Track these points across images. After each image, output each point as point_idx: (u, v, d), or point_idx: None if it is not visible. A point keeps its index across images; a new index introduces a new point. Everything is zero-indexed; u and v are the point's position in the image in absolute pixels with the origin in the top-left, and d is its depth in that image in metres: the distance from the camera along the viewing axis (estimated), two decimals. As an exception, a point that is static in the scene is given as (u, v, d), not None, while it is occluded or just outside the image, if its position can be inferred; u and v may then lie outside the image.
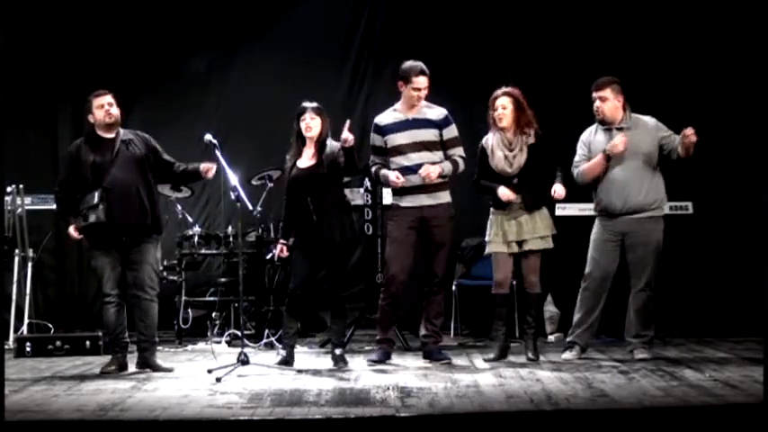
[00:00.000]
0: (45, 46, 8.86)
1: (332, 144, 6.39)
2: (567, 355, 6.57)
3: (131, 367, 6.33)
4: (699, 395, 5.03)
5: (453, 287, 7.98)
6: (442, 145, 6.52)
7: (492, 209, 6.56)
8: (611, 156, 6.45)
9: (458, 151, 6.54)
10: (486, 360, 6.46)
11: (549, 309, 8.03)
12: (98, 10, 8.84)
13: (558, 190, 6.41)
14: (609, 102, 6.52)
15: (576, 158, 6.67)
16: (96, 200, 6.14)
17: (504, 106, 6.44)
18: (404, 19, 8.84)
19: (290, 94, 6.71)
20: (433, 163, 6.42)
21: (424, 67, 6.51)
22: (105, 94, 6.34)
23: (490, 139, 6.52)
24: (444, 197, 6.53)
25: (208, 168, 6.33)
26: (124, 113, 6.48)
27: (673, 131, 6.51)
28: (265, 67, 8.95)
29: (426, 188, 6.45)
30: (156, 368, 6.26)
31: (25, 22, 8.66)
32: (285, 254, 6.45)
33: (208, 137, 6.37)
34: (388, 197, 7.17)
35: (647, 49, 8.45)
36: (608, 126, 6.55)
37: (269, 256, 7.87)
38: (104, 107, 6.30)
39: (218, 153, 6.34)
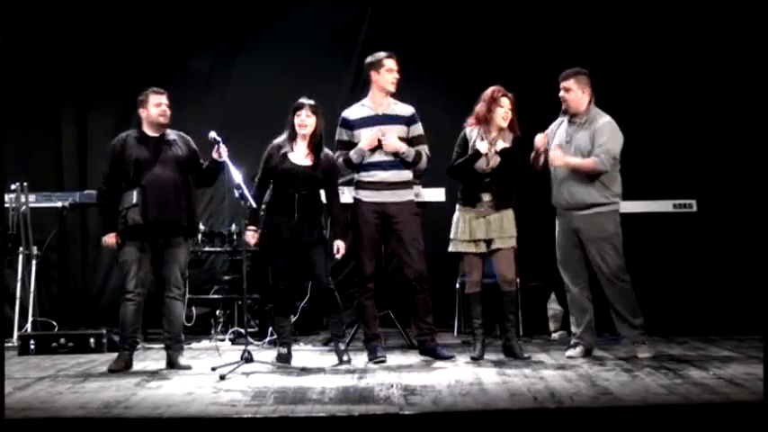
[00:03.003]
0: (48, 45, 8.88)
1: (327, 152, 6.41)
2: (571, 352, 6.57)
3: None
4: (702, 393, 5.02)
5: (456, 285, 7.97)
6: (409, 142, 6.54)
7: (459, 205, 6.54)
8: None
9: (424, 148, 6.58)
10: (472, 358, 6.44)
11: (553, 306, 8.02)
12: (100, 9, 8.86)
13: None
14: (572, 92, 6.55)
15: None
16: (135, 199, 6.16)
17: (510, 107, 6.46)
18: (407, 17, 8.83)
19: (292, 93, 6.68)
20: (399, 156, 6.45)
21: (390, 52, 6.58)
22: (163, 94, 6.38)
23: (475, 133, 6.50)
24: (408, 195, 6.55)
25: (218, 154, 6.31)
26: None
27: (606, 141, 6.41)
28: (267, 66, 8.95)
29: (390, 185, 6.47)
30: (179, 367, 6.25)
31: (28, 21, 8.68)
32: (254, 240, 6.38)
33: (212, 134, 6.38)
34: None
35: (652, 47, 8.45)
36: (572, 118, 6.57)
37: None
38: (161, 106, 6.35)
39: (222, 150, 6.33)
